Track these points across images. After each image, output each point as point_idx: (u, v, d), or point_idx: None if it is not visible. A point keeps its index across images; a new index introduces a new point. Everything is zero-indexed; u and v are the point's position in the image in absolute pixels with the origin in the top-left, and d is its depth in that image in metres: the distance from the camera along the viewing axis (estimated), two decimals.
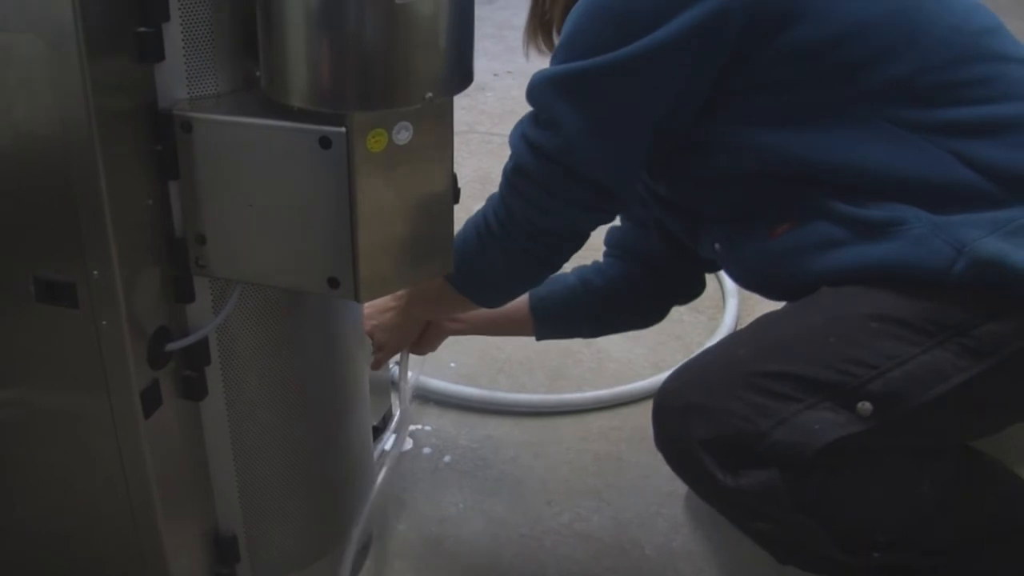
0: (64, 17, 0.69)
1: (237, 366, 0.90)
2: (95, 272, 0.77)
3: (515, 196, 0.99)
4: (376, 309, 1.20)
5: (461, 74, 0.78)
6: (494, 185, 1.05)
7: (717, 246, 1.06)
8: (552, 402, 1.49)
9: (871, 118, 0.90)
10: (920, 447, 0.91)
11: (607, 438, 1.42)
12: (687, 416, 0.91)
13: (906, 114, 0.90)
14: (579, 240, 1.04)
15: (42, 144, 0.74)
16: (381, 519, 1.24)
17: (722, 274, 1.79)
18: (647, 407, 0.98)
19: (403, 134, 0.77)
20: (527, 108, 0.98)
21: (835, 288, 0.91)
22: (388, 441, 1.30)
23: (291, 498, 1.00)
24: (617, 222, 1.28)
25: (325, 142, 0.75)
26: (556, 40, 1.02)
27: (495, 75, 2.93)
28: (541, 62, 1.01)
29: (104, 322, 0.78)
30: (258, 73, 0.78)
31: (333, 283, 0.81)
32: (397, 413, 1.34)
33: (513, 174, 0.99)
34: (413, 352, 1.26)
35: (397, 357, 1.25)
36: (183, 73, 0.77)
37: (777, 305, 1.04)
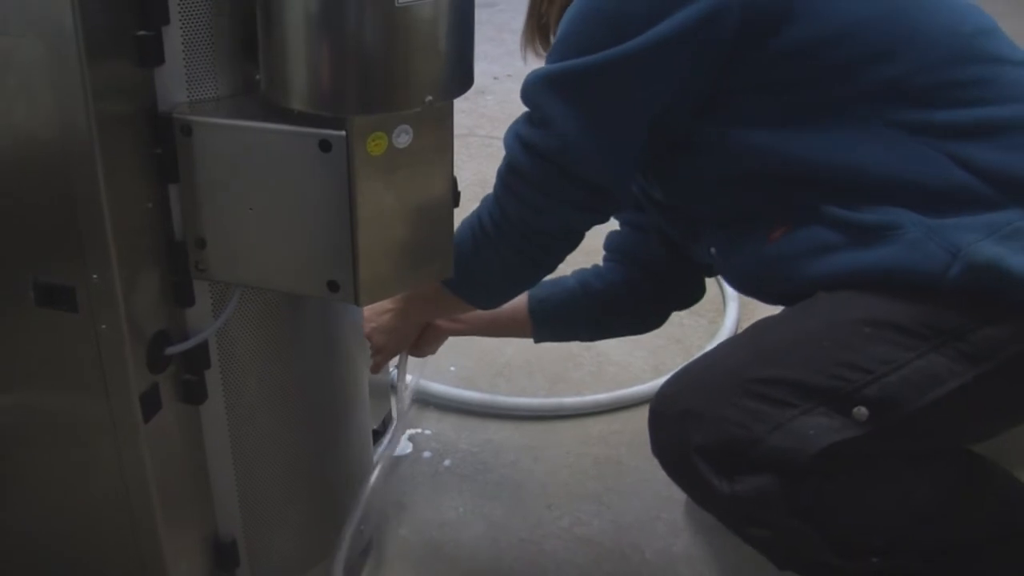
0: (64, 20, 0.68)
1: (237, 370, 0.90)
2: (95, 276, 0.76)
3: (509, 196, 0.99)
4: (374, 311, 1.20)
5: (461, 77, 0.78)
6: None
7: (713, 250, 1.06)
8: (552, 406, 1.49)
9: (867, 119, 0.90)
10: (917, 452, 0.90)
11: (607, 442, 1.42)
12: (683, 422, 0.91)
13: (902, 115, 0.90)
14: (573, 240, 1.04)
15: (42, 147, 0.74)
16: (381, 523, 1.24)
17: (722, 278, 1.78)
18: (647, 411, 0.98)
19: (403, 137, 0.77)
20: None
21: (831, 293, 0.91)
22: (384, 443, 1.30)
23: (291, 502, 1.00)
24: (617, 226, 1.28)
25: (325, 145, 0.75)
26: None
27: (495, 78, 2.93)
28: (539, 65, 1.01)
29: (104, 326, 0.78)
30: (258, 76, 0.78)
31: (333, 287, 0.80)
32: (395, 415, 1.33)
33: (507, 174, 0.99)
34: (412, 355, 1.26)
35: (396, 360, 1.25)
36: (183, 76, 0.77)
37: (776, 309, 1.04)
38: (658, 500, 1.28)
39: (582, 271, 1.27)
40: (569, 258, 1.09)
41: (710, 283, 1.81)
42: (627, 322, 1.29)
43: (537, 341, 1.29)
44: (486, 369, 1.60)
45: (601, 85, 0.92)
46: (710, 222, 1.05)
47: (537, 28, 1.11)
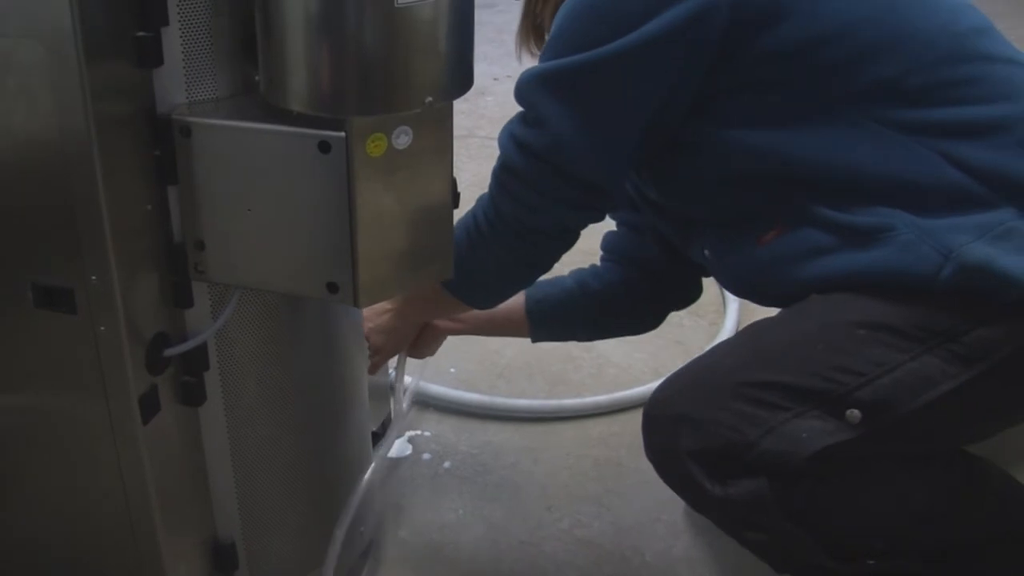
0: (63, 22, 0.68)
1: (236, 371, 0.89)
2: (93, 277, 0.76)
3: (504, 195, 0.99)
4: (373, 312, 1.20)
5: (461, 78, 0.78)
6: None
7: (707, 252, 1.06)
8: (552, 407, 1.49)
9: (859, 118, 0.90)
10: (911, 454, 0.90)
11: (607, 444, 1.42)
12: (676, 426, 0.91)
13: (894, 114, 0.90)
14: (568, 239, 1.04)
15: (41, 149, 0.74)
16: (381, 525, 1.24)
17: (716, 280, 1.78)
18: None
19: (403, 139, 0.77)
20: None
21: (824, 296, 0.91)
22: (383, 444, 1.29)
23: (290, 505, 0.99)
24: (613, 226, 1.28)
25: (324, 147, 0.75)
26: None
27: (495, 79, 2.93)
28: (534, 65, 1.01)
29: (102, 328, 0.78)
30: (257, 77, 0.78)
31: (332, 288, 0.80)
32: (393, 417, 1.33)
33: (501, 173, 0.99)
34: (410, 355, 1.25)
35: (395, 361, 1.25)
36: (182, 77, 0.77)
37: (770, 311, 1.04)
38: (658, 502, 1.28)
39: (579, 271, 1.27)
40: (566, 258, 1.09)
41: (710, 284, 1.81)
42: (625, 322, 1.29)
43: (534, 341, 1.29)
44: (486, 371, 1.59)
45: (594, 83, 0.92)
46: (704, 223, 1.05)
47: (532, 28, 1.12)
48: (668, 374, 0.98)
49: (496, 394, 1.52)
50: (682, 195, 1.05)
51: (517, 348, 1.64)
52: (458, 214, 0.88)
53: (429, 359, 1.32)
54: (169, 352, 0.83)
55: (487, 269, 1.05)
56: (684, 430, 0.90)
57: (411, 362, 1.28)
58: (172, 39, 0.75)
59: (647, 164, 1.04)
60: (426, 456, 1.39)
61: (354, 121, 0.74)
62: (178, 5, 0.75)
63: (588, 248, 1.28)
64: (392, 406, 1.33)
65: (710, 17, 0.88)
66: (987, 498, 0.94)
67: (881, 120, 0.90)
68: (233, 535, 0.96)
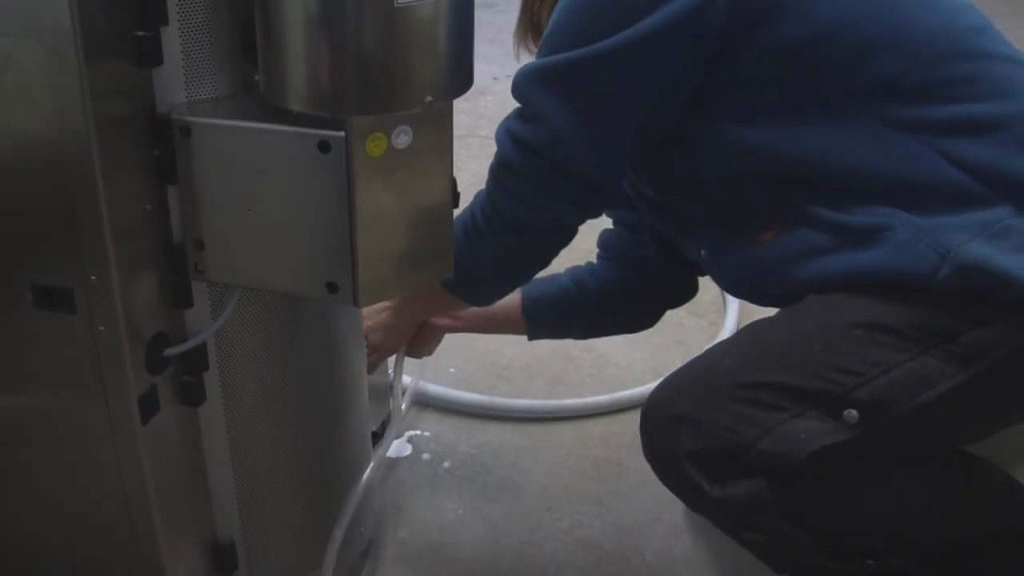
0: (62, 22, 0.68)
1: (235, 371, 0.89)
2: (93, 277, 0.76)
3: (501, 191, 0.99)
4: (371, 310, 1.20)
5: (461, 78, 0.78)
6: None
7: (703, 252, 1.06)
8: (552, 407, 1.49)
9: (857, 115, 0.90)
10: (909, 454, 0.90)
11: (607, 444, 1.42)
12: (674, 427, 0.91)
13: (892, 112, 0.90)
14: (566, 235, 1.03)
15: (40, 149, 0.74)
16: (380, 525, 1.24)
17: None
18: None
19: (402, 138, 0.77)
20: None
21: (821, 296, 0.91)
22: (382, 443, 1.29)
23: (290, 505, 0.99)
24: (610, 224, 1.28)
25: (324, 146, 0.75)
26: None
27: (495, 79, 2.93)
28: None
29: (102, 327, 0.78)
30: (257, 77, 0.78)
31: (332, 288, 0.80)
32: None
33: (498, 169, 0.99)
34: (409, 355, 1.25)
35: (394, 360, 1.25)
36: (181, 77, 0.77)
37: (769, 311, 1.04)
38: (658, 502, 1.28)
39: (576, 269, 1.27)
40: (564, 256, 1.08)
41: (711, 284, 1.81)
42: (621, 321, 1.29)
43: (531, 339, 1.29)
44: (486, 371, 1.59)
45: (591, 79, 0.92)
46: (700, 223, 1.05)
47: (530, 26, 1.12)
48: (668, 374, 0.98)
49: (496, 394, 1.51)
50: (679, 192, 1.05)
51: (517, 348, 1.64)
52: (457, 213, 0.88)
53: (429, 359, 1.32)
54: (169, 352, 0.83)
55: (484, 265, 1.05)
56: (682, 431, 0.90)
57: (410, 362, 1.28)
58: (172, 38, 0.75)
59: (644, 160, 1.04)
60: (426, 456, 1.39)
61: (354, 121, 0.74)
62: (178, 4, 0.75)
63: (587, 248, 1.28)
64: (391, 406, 1.33)
65: (707, 14, 0.88)
66: (986, 498, 0.94)
67: (880, 117, 0.89)
68: (233, 535, 0.96)
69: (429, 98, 0.75)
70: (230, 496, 0.94)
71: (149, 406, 0.82)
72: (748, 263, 0.98)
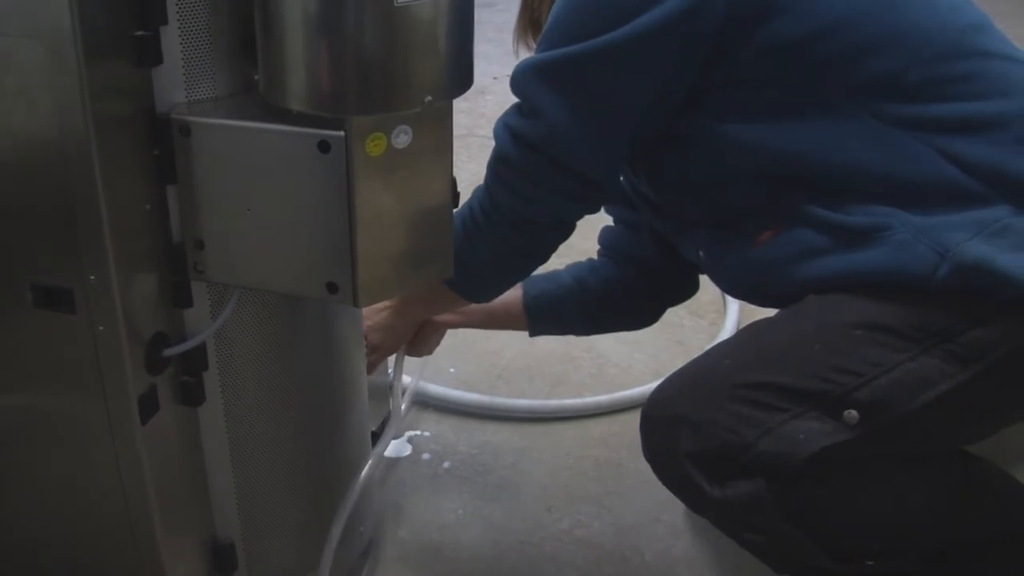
0: (62, 21, 0.68)
1: (235, 371, 0.89)
2: (92, 277, 0.76)
3: (499, 186, 0.99)
4: (370, 310, 1.20)
5: (461, 77, 0.78)
6: None
7: (701, 253, 1.06)
8: (552, 407, 1.49)
9: (856, 114, 0.90)
10: (909, 454, 0.90)
11: (607, 444, 1.42)
12: (673, 428, 0.91)
13: (890, 109, 0.89)
14: (564, 230, 1.03)
15: (40, 148, 0.73)
16: (380, 525, 1.24)
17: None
18: None
19: (402, 138, 0.76)
20: None
21: (820, 296, 0.91)
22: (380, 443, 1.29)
23: (289, 505, 0.99)
24: (610, 221, 1.28)
25: (324, 146, 0.75)
26: None
27: (495, 78, 2.93)
28: None
29: (101, 327, 0.78)
30: (256, 76, 0.78)
31: (332, 288, 0.80)
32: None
33: (497, 164, 0.99)
34: (409, 354, 1.25)
35: (394, 360, 1.25)
36: (181, 77, 0.77)
37: (769, 312, 1.04)
38: (658, 502, 1.28)
39: (577, 266, 1.27)
40: (564, 254, 1.08)
41: (711, 284, 1.81)
42: (623, 318, 1.30)
43: (532, 335, 1.29)
44: (486, 371, 1.59)
45: (590, 74, 0.91)
46: (698, 224, 1.05)
47: (530, 23, 1.12)
48: (668, 374, 0.98)
49: (496, 394, 1.51)
50: (676, 193, 1.05)
51: (517, 348, 1.64)
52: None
53: (428, 359, 1.32)
54: (168, 352, 0.83)
55: (483, 261, 1.05)
56: (682, 431, 0.90)
57: (410, 361, 1.28)
58: (171, 38, 0.75)
59: (641, 158, 1.03)
60: (425, 456, 1.39)
61: (353, 120, 0.74)
62: (177, 4, 0.75)
63: (586, 247, 1.28)
64: (391, 406, 1.33)
65: (705, 11, 0.88)
66: (986, 498, 0.94)
67: (877, 115, 0.89)
68: (232, 535, 0.96)
69: (429, 98, 0.74)
70: (230, 496, 0.94)
71: (149, 406, 0.82)
72: (747, 264, 0.98)
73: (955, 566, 0.94)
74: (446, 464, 1.38)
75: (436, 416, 1.49)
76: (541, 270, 1.12)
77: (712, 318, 1.74)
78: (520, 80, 0.95)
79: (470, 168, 2.30)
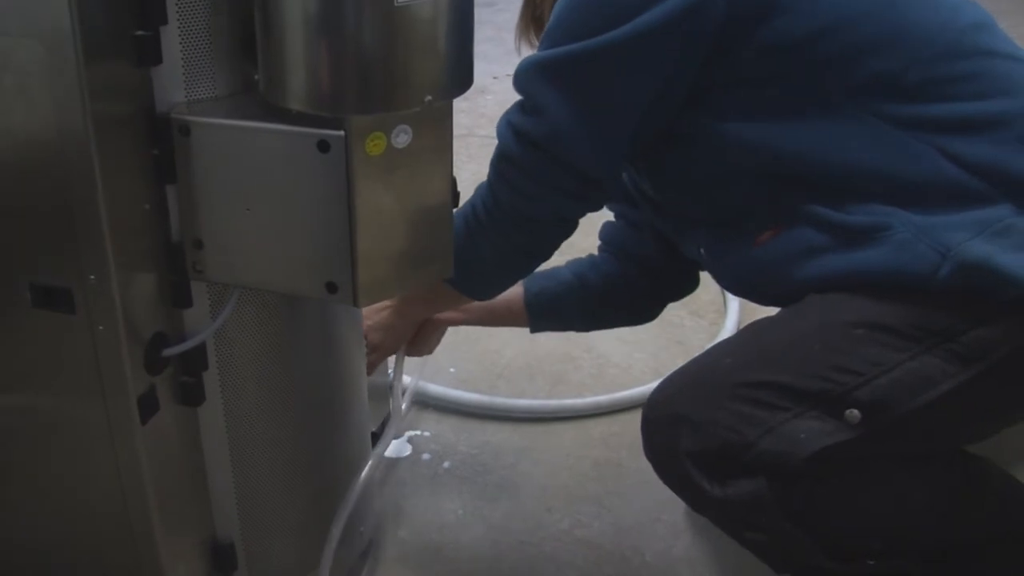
0: (62, 21, 0.68)
1: (235, 372, 0.89)
2: (91, 277, 0.76)
3: (501, 184, 0.99)
4: (370, 309, 1.19)
5: (460, 77, 0.77)
6: None
7: (702, 251, 1.06)
8: (552, 407, 1.49)
9: (857, 114, 0.90)
10: (911, 454, 0.90)
11: (607, 444, 1.42)
12: (674, 427, 0.91)
13: (891, 109, 0.89)
14: (566, 227, 1.03)
15: (39, 148, 0.73)
16: (380, 525, 1.24)
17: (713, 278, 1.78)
18: None
19: (402, 137, 0.76)
20: None
21: (821, 295, 0.91)
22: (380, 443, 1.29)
23: (289, 505, 0.99)
24: (612, 218, 1.28)
25: (323, 146, 0.75)
26: None
27: (495, 78, 2.92)
28: None
29: (101, 327, 0.78)
30: (256, 76, 0.78)
31: (331, 288, 0.80)
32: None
33: (499, 161, 0.99)
34: (409, 354, 1.25)
35: (394, 360, 1.25)
36: (181, 76, 0.77)
37: (770, 310, 1.03)
38: (658, 502, 1.28)
39: (577, 262, 1.27)
40: (564, 251, 1.08)
41: (711, 283, 1.81)
42: (623, 315, 1.30)
43: (533, 331, 1.29)
44: (486, 371, 1.59)
45: (592, 72, 0.91)
46: (699, 222, 1.05)
47: (532, 20, 1.12)
48: (668, 374, 0.98)
49: (496, 394, 1.51)
50: (678, 191, 1.05)
51: (517, 348, 1.63)
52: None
53: (428, 358, 1.32)
54: (168, 352, 0.83)
55: (485, 258, 1.05)
56: (683, 430, 0.90)
57: (410, 361, 1.28)
58: (171, 38, 0.75)
59: (643, 156, 1.03)
60: (425, 456, 1.39)
61: (353, 120, 0.73)
62: (177, 4, 0.74)
63: (586, 246, 1.28)
64: (391, 406, 1.33)
65: (706, 9, 0.88)
66: (987, 498, 0.94)
67: (879, 115, 0.89)
68: (232, 535, 0.96)
69: (429, 97, 0.74)
70: (229, 496, 0.94)
71: (148, 406, 0.82)
72: (747, 263, 0.98)
73: (955, 566, 0.94)
74: (446, 464, 1.37)
75: (436, 416, 1.48)
76: (542, 267, 1.12)
77: (712, 318, 1.74)
78: (523, 78, 0.94)
79: (470, 168, 2.30)
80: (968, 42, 0.92)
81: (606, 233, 1.28)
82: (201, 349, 0.86)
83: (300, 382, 0.95)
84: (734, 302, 1.73)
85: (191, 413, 0.89)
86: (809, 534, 0.88)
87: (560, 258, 1.15)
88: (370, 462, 1.07)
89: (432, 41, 0.73)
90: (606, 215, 1.26)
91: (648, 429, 0.95)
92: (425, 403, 1.50)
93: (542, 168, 0.95)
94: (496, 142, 0.99)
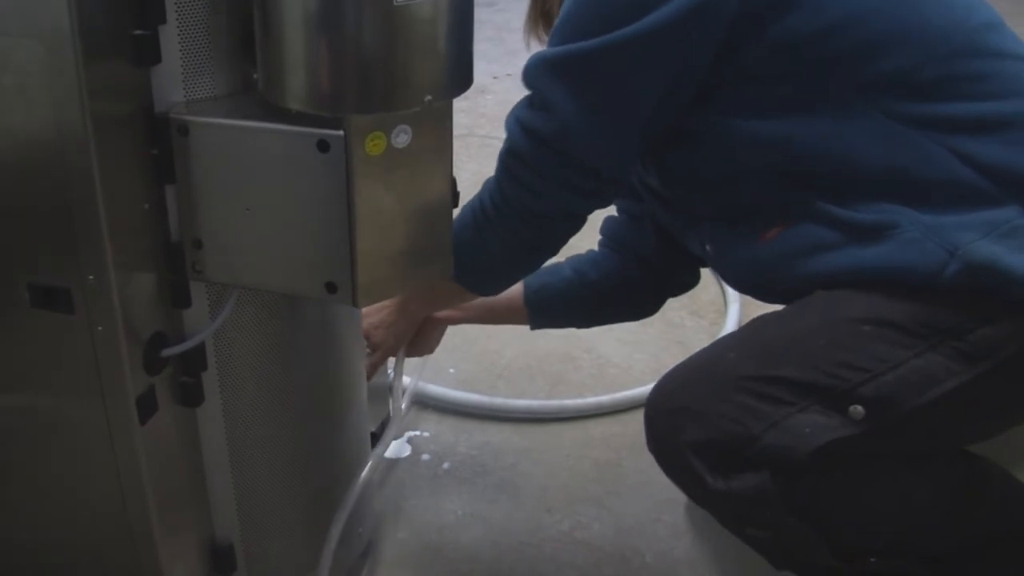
0: (61, 21, 0.68)
1: (234, 372, 0.89)
2: (90, 277, 0.76)
3: (509, 179, 0.99)
4: (372, 308, 1.19)
5: (460, 77, 0.77)
6: None
7: (708, 247, 1.06)
8: (552, 408, 1.48)
9: (866, 111, 0.89)
10: (914, 452, 0.90)
11: (608, 444, 1.41)
12: (677, 419, 0.91)
13: (903, 107, 0.89)
14: (575, 223, 1.03)
15: (38, 148, 0.73)
16: (379, 526, 1.23)
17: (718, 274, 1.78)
18: None
19: (402, 137, 0.76)
20: None
21: (827, 292, 0.91)
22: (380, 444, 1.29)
23: (289, 506, 0.99)
24: (614, 212, 1.28)
25: (323, 145, 0.74)
26: None
27: (494, 78, 2.92)
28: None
29: (100, 327, 0.78)
30: (255, 75, 0.78)
31: (331, 288, 0.80)
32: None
33: (507, 157, 0.98)
34: (409, 354, 1.25)
35: (393, 361, 1.25)
36: (179, 76, 0.77)
37: (772, 308, 1.03)
38: (659, 503, 1.28)
39: (577, 258, 1.27)
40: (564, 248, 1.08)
41: (711, 283, 1.81)
42: (623, 310, 1.30)
43: (533, 328, 1.29)
44: (486, 371, 1.59)
45: (601, 69, 0.91)
46: (706, 218, 1.05)
47: (540, 15, 1.12)
48: (672, 367, 0.98)
49: (496, 395, 1.51)
50: (684, 188, 1.05)
51: (517, 349, 1.63)
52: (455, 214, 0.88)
53: (428, 359, 1.31)
54: (167, 352, 0.82)
55: (493, 253, 1.05)
56: (686, 422, 0.90)
57: (410, 362, 1.28)
58: (170, 37, 0.75)
59: (651, 153, 1.03)
60: (425, 457, 1.39)
61: (353, 120, 0.73)
62: (176, 3, 0.74)
63: (586, 246, 1.28)
64: (391, 406, 1.33)
65: (718, 7, 0.87)
66: (988, 497, 0.94)
67: (889, 112, 0.89)
68: (231, 536, 0.96)
69: (428, 97, 0.74)
70: (228, 497, 0.94)
71: (147, 406, 0.82)
72: (754, 259, 0.98)
73: (957, 564, 0.94)
74: (446, 465, 1.37)
75: (436, 417, 1.48)
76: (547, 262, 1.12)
77: (713, 318, 1.74)
78: (532, 73, 0.94)
79: (470, 168, 2.30)
80: (980, 41, 0.92)
81: (607, 228, 1.27)
82: (200, 349, 0.86)
83: (299, 382, 0.95)
84: (734, 303, 1.73)
85: (190, 413, 0.89)
86: (813, 529, 0.88)
87: (559, 256, 1.14)
88: (369, 463, 1.07)
89: (432, 41, 0.73)
90: (608, 210, 1.25)
91: (651, 421, 0.95)
92: (425, 404, 1.50)
93: (551, 165, 0.95)
94: (499, 142, 0.99)
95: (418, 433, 1.44)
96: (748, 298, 1.63)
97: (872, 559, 0.91)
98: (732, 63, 0.90)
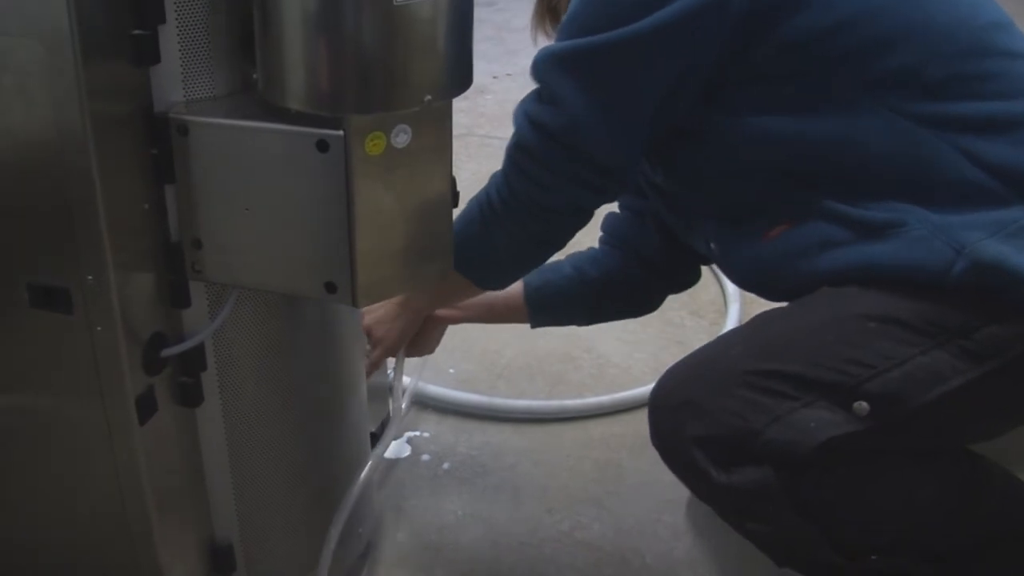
0: (60, 20, 0.68)
1: (234, 372, 0.89)
2: (90, 277, 0.76)
3: (517, 173, 0.99)
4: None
5: (460, 77, 0.77)
6: None
7: (713, 246, 1.05)
8: (552, 408, 1.48)
9: (874, 109, 0.89)
10: (919, 449, 0.90)
11: (608, 445, 1.41)
12: (681, 412, 0.91)
13: (911, 106, 0.89)
14: (583, 217, 1.03)
15: (38, 148, 0.73)
16: (379, 526, 1.23)
17: (724, 277, 1.78)
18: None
19: (401, 137, 0.76)
20: None
21: (833, 288, 0.91)
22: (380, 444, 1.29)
23: (288, 506, 0.99)
24: (615, 209, 1.28)
25: (322, 145, 0.74)
26: None
27: (494, 77, 2.92)
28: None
29: (99, 328, 0.77)
30: (255, 75, 0.78)
31: (330, 288, 0.80)
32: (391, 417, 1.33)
33: (515, 151, 0.98)
34: (409, 354, 1.25)
35: (393, 361, 1.24)
36: (179, 76, 0.77)
37: (775, 306, 1.03)
38: (659, 503, 1.28)
39: (577, 256, 1.27)
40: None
41: (711, 283, 1.81)
42: (624, 308, 1.30)
43: (534, 326, 1.29)
44: (486, 371, 1.59)
45: (610, 65, 0.91)
46: (710, 217, 1.04)
47: (547, 10, 1.12)
48: (676, 361, 0.98)
49: (496, 395, 1.51)
50: (690, 186, 1.05)
51: (517, 349, 1.63)
52: (456, 213, 0.88)
53: (428, 359, 1.31)
54: (166, 352, 0.82)
55: (500, 247, 1.04)
56: (690, 416, 0.90)
57: (410, 362, 1.27)
58: (169, 37, 0.75)
59: (656, 151, 1.03)
60: (425, 457, 1.39)
61: (352, 120, 0.73)
62: (175, 3, 0.74)
63: (587, 244, 1.28)
64: (391, 406, 1.33)
65: (722, 7, 0.87)
66: (990, 496, 0.94)
67: (898, 110, 0.89)
68: (231, 536, 0.96)
69: (428, 97, 0.74)
70: (228, 497, 0.94)
71: (147, 407, 0.82)
72: (759, 257, 0.98)
73: (958, 563, 0.94)
74: (445, 465, 1.37)
75: (436, 417, 1.48)
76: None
77: (713, 318, 1.74)
78: (540, 68, 0.94)
79: (470, 168, 2.30)
80: (988, 40, 0.91)
81: (609, 225, 1.27)
82: (200, 349, 0.85)
83: (299, 382, 0.95)
84: (735, 302, 1.73)
85: (190, 414, 0.89)
86: (815, 524, 0.88)
87: (559, 254, 1.14)
88: (369, 463, 1.07)
89: (431, 41, 0.73)
90: (610, 205, 1.25)
91: (655, 414, 0.95)
92: (425, 404, 1.50)
93: (559, 159, 0.95)
94: (499, 141, 0.99)
95: (418, 433, 1.44)
96: (749, 298, 1.64)
97: (874, 556, 0.91)
98: (740, 62, 0.90)
